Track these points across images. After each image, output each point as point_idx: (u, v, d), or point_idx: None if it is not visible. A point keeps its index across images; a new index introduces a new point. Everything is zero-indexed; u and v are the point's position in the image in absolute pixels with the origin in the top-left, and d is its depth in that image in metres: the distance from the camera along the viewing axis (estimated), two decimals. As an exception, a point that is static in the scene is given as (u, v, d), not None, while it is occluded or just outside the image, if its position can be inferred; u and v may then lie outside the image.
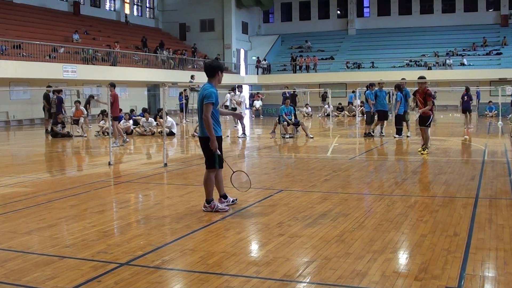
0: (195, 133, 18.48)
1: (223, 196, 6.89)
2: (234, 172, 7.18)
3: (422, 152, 12.33)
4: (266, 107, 34.06)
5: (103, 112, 20.74)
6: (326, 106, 33.12)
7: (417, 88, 13.41)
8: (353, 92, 35.57)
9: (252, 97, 35.41)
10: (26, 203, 7.43)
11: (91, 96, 27.34)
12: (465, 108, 21.73)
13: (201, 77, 36.72)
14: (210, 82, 6.62)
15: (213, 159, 6.58)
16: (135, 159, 13.50)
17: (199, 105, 6.54)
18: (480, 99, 34.72)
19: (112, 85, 14.15)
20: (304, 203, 7.14)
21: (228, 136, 18.81)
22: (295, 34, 50.93)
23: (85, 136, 19.65)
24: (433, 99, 13.01)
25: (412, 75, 36.55)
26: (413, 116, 19.95)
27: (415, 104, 13.75)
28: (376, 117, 17.58)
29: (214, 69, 6.63)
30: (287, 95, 26.95)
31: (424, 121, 12.34)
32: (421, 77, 12.57)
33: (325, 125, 25.31)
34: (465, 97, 22.01)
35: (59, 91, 21.61)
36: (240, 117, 7.52)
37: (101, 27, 38.56)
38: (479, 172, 9.62)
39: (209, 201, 6.67)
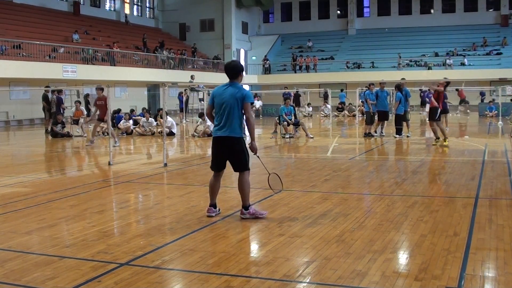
0: (195, 133, 18.49)
1: (214, 205, 6.48)
2: (270, 174, 6.77)
3: (443, 143, 13.77)
4: (266, 107, 34.07)
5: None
6: (323, 106, 33.15)
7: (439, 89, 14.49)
8: (342, 90, 35.70)
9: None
10: (26, 203, 7.43)
11: (87, 95, 27.39)
12: (443, 108, 20.68)
13: (201, 77, 36.85)
14: (236, 82, 6.31)
15: (248, 159, 6.27)
16: (135, 159, 13.50)
17: (232, 104, 6.13)
18: (484, 99, 34.76)
19: (101, 88, 15.44)
20: (304, 203, 7.14)
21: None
22: (295, 34, 50.91)
23: (85, 136, 19.63)
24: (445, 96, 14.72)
25: (412, 75, 36.75)
26: (413, 116, 19.91)
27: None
28: (376, 118, 17.57)
29: (239, 71, 6.35)
30: (290, 95, 26.97)
31: (433, 115, 13.94)
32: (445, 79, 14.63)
33: (325, 125, 25.31)
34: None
35: (59, 91, 21.62)
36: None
37: (101, 27, 38.54)
38: (479, 172, 9.61)
39: (247, 207, 6.28)
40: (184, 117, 26.43)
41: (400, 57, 42.89)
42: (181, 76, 34.91)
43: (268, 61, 46.96)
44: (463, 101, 32.56)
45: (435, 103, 14.05)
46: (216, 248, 5.13)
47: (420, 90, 32.37)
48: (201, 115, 19.24)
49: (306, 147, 15.44)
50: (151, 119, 20.06)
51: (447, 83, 13.99)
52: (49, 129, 20.59)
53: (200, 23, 47.90)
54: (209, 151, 15.02)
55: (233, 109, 6.16)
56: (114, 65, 31.95)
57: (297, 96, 33.66)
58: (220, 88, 6.36)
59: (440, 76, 40.19)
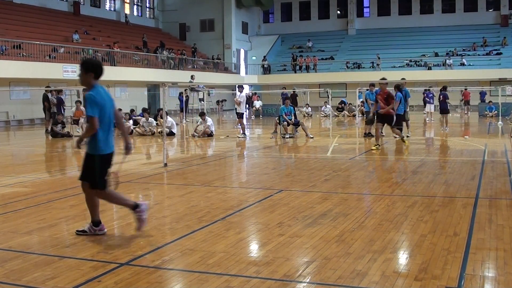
0: (195, 133, 18.48)
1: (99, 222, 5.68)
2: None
3: (373, 148, 13.53)
4: (266, 107, 34.07)
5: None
6: (323, 107, 33.15)
7: (379, 90, 14.71)
8: (344, 98, 35.83)
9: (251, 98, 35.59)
10: (26, 203, 7.43)
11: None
12: (443, 109, 20.10)
13: (201, 77, 36.79)
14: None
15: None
16: (135, 159, 13.48)
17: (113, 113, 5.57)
18: (485, 99, 34.75)
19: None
20: (304, 203, 7.13)
21: (228, 136, 18.81)
22: (295, 34, 50.94)
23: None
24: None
25: (412, 75, 36.76)
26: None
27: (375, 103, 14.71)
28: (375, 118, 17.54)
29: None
30: (288, 95, 26.97)
31: (390, 120, 13.74)
32: (383, 79, 14.63)
33: (325, 125, 25.30)
34: (441, 96, 20.22)
35: (59, 91, 21.62)
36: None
37: (101, 27, 38.55)
38: (479, 172, 9.61)
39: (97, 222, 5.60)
40: (184, 117, 26.41)
41: (379, 58, 42.94)
42: (181, 76, 34.90)
43: (266, 61, 46.98)
44: (466, 102, 32.61)
45: (391, 111, 13.79)
46: (216, 248, 5.13)
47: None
48: (201, 115, 19.25)
49: (306, 147, 15.43)
50: (151, 119, 20.05)
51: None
52: (49, 129, 20.60)
53: (200, 23, 47.92)
54: (209, 151, 15.07)
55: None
56: (114, 65, 31.92)
57: (294, 96, 33.68)
58: (103, 91, 5.40)
59: (440, 76, 40.26)
